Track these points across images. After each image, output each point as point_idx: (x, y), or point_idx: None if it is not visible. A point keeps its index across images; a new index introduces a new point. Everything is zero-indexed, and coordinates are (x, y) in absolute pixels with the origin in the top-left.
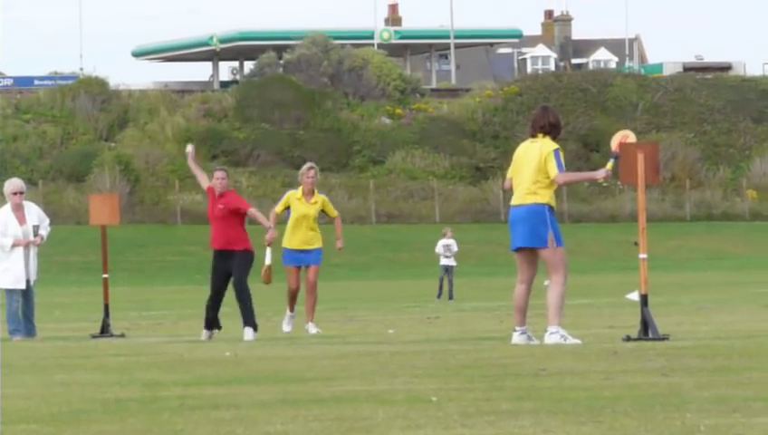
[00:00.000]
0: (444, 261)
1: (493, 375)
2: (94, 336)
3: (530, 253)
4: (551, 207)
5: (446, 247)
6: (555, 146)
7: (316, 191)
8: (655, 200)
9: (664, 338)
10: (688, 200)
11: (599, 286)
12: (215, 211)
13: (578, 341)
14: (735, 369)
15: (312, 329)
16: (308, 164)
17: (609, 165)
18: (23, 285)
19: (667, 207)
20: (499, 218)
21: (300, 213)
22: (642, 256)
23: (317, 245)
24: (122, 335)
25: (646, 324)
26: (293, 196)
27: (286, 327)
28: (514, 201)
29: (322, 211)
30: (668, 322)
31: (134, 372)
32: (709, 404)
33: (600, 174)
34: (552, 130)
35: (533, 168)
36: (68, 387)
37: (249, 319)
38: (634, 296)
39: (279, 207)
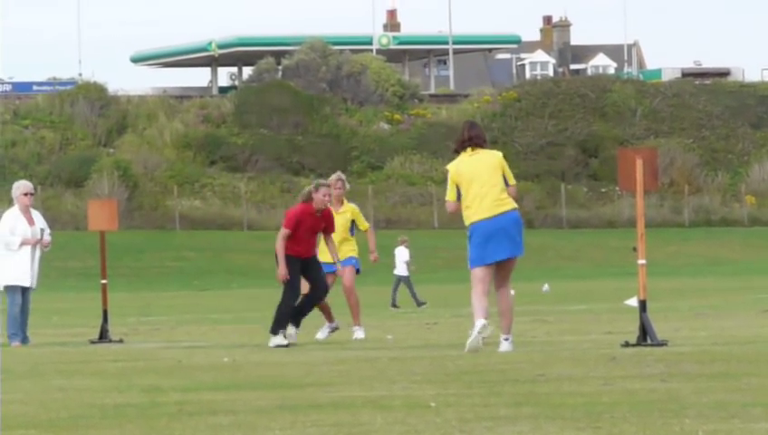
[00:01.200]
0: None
1: (491, 381)
2: (93, 342)
3: (500, 263)
4: None
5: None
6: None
7: (345, 201)
8: (653, 206)
9: (662, 344)
10: (687, 206)
11: (597, 292)
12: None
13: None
14: (734, 374)
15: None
16: (338, 174)
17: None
18: (28, 282)
19: (666, 212)
20: None
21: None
22: (641, 261)
23: (349, 254)
24: (121, 341)
25: (644, 330)
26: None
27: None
28: (484, 214)
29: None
30: (667, 327)
31: (132, 378)
32: (708, 410)
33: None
34: (485, 142)
35: (498, 175)
36: (66, 392)
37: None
38: (633, 302)
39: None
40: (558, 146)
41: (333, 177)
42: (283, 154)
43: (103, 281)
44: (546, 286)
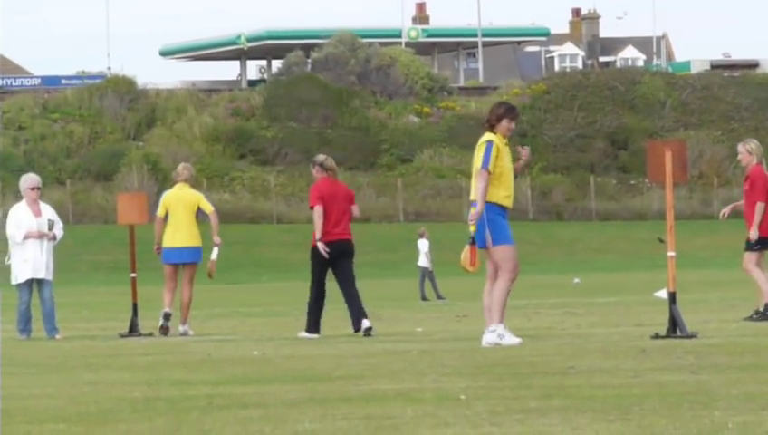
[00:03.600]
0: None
1: (521, 373)
2: (123, 335)
3: (486, 250)
4: (491, 204)
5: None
6: (488, 138)
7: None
8: (683, 198)
9: (692, 336)
10: (716, 198)
11: (627, 284)
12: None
13: (517, 340)
14: (764, 366)
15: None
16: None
17: (472, 228)
18: (40, 275)
19: (695, 204)
20: (527, 216)
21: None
22: (670, 253)
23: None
24: (150, 335)
25: (674, 322)
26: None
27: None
28: (510, 199)
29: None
30: (696, 319)
31: (162, 372)
32: (738, 402)
33: (472, 213)
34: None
35: (476, 163)
36: (96, 386)
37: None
38: (662, 294)
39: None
40: (587, 138)
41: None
42: (312, 147)
43: (133, 275)
44: (577, 279)
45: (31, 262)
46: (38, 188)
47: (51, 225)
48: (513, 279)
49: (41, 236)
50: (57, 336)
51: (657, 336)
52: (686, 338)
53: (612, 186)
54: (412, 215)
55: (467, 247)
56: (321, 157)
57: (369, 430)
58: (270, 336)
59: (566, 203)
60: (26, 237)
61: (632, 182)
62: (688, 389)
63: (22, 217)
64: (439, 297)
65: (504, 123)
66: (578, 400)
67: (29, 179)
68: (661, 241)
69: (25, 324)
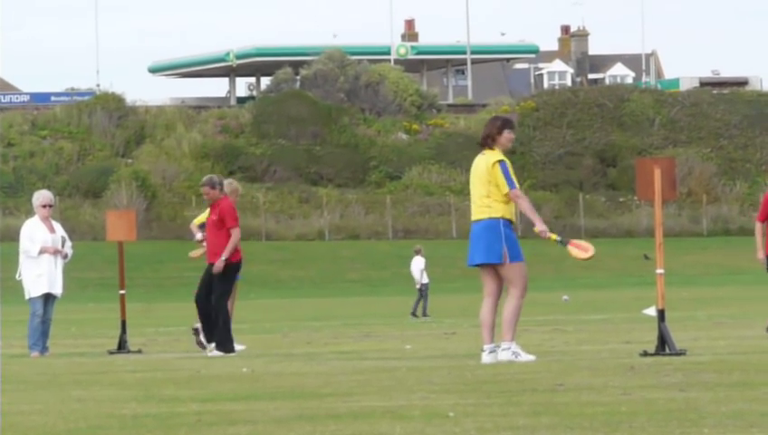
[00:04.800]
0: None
1: (510, 390)
2: (111, 352)
3: (490, 268)
4: (507, 221)
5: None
6: (499, 157)
7: None
8: (672, 215)
9: (681, 353)
10: (705, 215)
11: (615, 301)
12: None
13: (531, 357)
14: (752, 384)
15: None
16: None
17: (553, 237)
18: (49, 289)
19: (684, 222)
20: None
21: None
22: (659, 270)
23: None
24: (139, 351)
25: (663, 339)
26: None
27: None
28: (472, 216)
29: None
30: (685, 337)
31: (151, 388)
32: (726, 419)
33: (539, 225)
34: (487, 142)
35: (483, 181)
36: (85, 403)
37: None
38: (651, 312)
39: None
40: (576, 155)
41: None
42: (301, 164)
43: (122, 292)
44: (566, 297)
45: (46, 276)
46: (50, 206)
47: (63, 242)
48: (524, 296)
49: (56, 252)
50: (46, 354)
51: (645, 354)
52: (675, 355)
53: (601, 203)
54: (401, 232)
55: (568, 248)
56: (226, 180)
57: None
58: (259, 353)
59: (555, 220)
60: (41, 252)
61: (621, 199)
62: (677, 406)
63: (36, 232)
64: (424, 314)
65: (506, 134)
66: (566, 417)
67: (41, 196)
68: (647, 258)
69: (37, 340)
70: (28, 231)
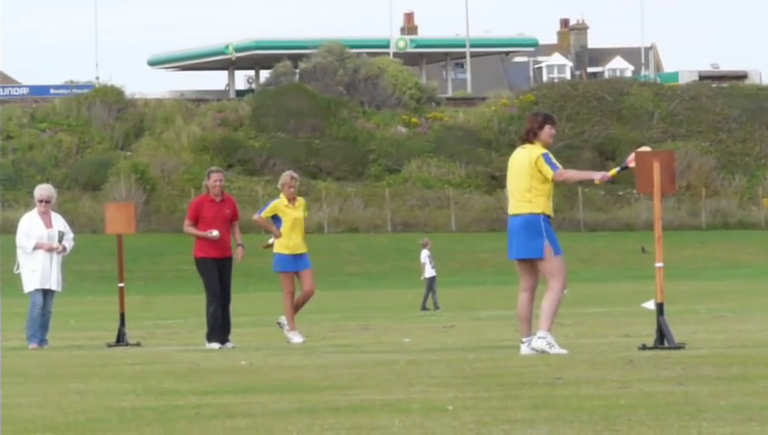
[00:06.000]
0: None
1: (508, 384)
2: (110, 345)
3: (529, 262)
4: (546, 216)
5: (430, 258)
6: (543, 151)
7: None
8: (671, 209)
9: (680, 347)
10: (704, 209)
11: (614, 295)
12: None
13: (563, 351)
14: (751, 377)
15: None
16: (290, 173)
17: (613, 172)
18: (48, 285)
19: (683, 215)
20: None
21: (291, 217)
22: (658, 264)
23: (306, 249)
24: (138, 344)
25: (662, 333)
26: (281, 203)
27: (296, 338)
28: (510, 210)
29: None
30: (684, 330)
31: (150, 381)
32: (725, 413)
33: (597, 175)
34: (529, 137)
35: (524, 175)
36: (83, 396)
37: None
38: (650, 305)
39: (266, 214)
40: (575, 149)
41: (287, 176)
42: (300, 157)
43: (120, 284)
44: (565, 290)
45: (39, 272)
46: (47, 201)
47: (61, 236)
48: (564, 289)
49: (50, 249)
50: (45, 347)
51: (644, 347)
52: (674, 349)
53: (600, 197)
54: (400, 225)
55: (630, 166)
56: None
57: None
58: (257, 346)
59: (554, 214)
60: (36, 248)
61: (620, 193)
62: (676, 400)
63: (32, 227)
64: (423, 307)
65: (547, 129)
66: (565, 410)
67: (39, 191)
68: (644, 251)
69: (35, 331)
70: (25, 226)
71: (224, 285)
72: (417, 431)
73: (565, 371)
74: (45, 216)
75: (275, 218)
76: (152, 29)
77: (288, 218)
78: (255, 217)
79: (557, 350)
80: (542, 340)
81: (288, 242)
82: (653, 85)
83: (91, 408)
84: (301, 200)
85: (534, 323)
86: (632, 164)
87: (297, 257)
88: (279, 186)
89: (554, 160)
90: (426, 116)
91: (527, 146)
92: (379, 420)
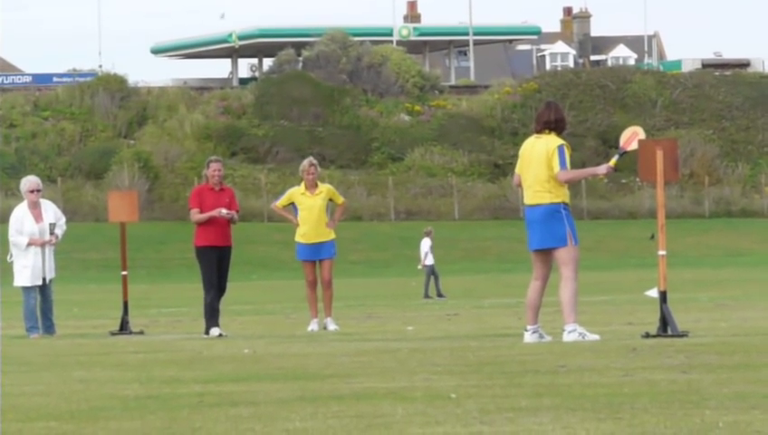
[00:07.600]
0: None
1: (512, 372)
2: (113, 333)
3: (546, 252)
4: (566, 205)
5: (431, 247)
6: (560, 142)
7: (319, 183)
8: (674, 197)
9: (683, 335)
10: (707, 197)
11: (618, 283)
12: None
13: (596, 336)
14: (754, 366)
15: (331, 325)
16: (309, 160)
17: (613, 161)
18: (39, 282)
19: (686, 203)
20: (518, 215)
21: (306, 206)
22: (661, 252)
23: (330, 237)
24: (141, 332)
25: (665, 321)
26: (297, 192)
27: (313, 325)
28: (528, 200)
29: (330, 200)
30: (687, 318)
31: (153, 370)
32: (728, 401)
33: (601, 170)
34: (556, 127)
35: (543, 165)
36: (87, 384)
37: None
38: (653, 293)
39: (281, 202)
40: (578, 137)
41: (305, 162)
42: (303, 145)
43: (124, 272)
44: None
45: (30, 268)
46: (37, 191)
47: (52, 228)
48: (577, 278)
49: (43, 244)
50: (53, 333)
51: (647, 335)
52: (677, 337)
53: (603, 185)
54: (403, 213)
55: (628, 150)
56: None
57: (360, 428)
58: (260, 334)
59: None
60: (30, 244)
61: (623, 181)
62: (679, 388)
63: (23, 223)
64: (426, 295)
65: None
66: (568, 398)
67: (27, 182)
68: (653, 238)
69: (34, 322)
70: (17, 222)
71: (221, 275)
72: (421, 419)
73: (568, 359)
74: (35, 209)
75: (294, 207)
76: (155, 17)
77: (303, 207)
78: (272, 205)
79: (590, 337)
80: (573, 333)
81: (303, 231)
82: (656, 73)
83: (95, 396)
84: (323, 187)
85: (541, 313)
86: (628, 147)
87: (316, 246)
88: (300, 172)
89: (567, 158)
90: (429, 104)
91: (543, 136)
92: (383, 407)
